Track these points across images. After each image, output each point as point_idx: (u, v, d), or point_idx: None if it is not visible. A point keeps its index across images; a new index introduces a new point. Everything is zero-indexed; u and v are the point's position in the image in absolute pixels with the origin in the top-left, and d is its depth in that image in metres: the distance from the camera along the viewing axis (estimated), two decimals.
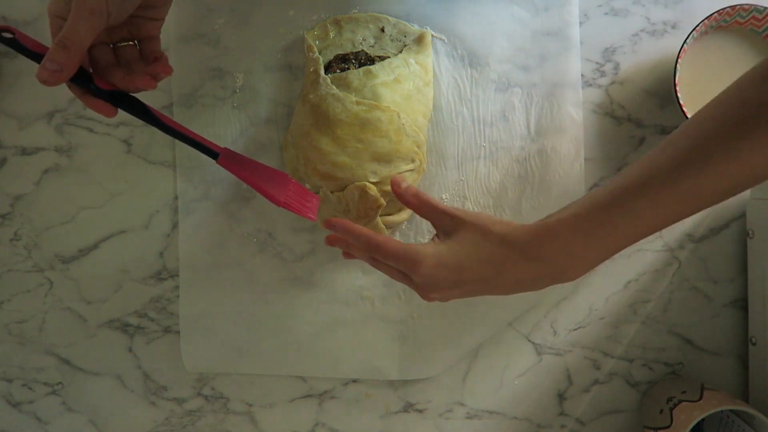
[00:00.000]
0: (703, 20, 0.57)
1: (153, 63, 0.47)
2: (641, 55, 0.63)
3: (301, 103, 0.58)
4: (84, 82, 0.43)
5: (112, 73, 0.45)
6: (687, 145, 0.41)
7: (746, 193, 0.64)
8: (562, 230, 0.43)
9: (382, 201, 0.56)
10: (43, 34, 0.61)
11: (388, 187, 0.56)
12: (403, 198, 0.51)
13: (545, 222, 0.44)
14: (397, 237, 0.62)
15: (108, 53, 0.46)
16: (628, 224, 0.42)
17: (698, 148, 0.40)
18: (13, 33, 0.44)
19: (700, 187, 0.40)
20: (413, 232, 0.62)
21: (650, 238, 0.64)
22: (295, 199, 0.48)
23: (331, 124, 0.55)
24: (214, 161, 0.48)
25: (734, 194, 0.41)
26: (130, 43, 0.47)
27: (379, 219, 0.58)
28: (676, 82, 0.58)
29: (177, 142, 0.62)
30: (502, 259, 0.44)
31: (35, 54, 0.44)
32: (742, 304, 0.65)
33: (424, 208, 0.50)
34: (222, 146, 0.48)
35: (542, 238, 0.44)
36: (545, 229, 0.44)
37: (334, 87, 0.56)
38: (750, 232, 0.62)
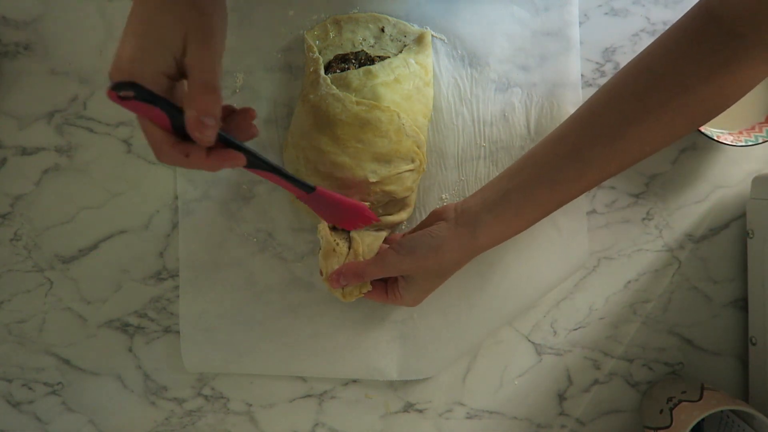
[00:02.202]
0: None
1: (232, 114, 0.43)
2: None
3: (301, 103, 0.58)
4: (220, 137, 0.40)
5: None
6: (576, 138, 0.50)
7: (746, 193, 0.64)
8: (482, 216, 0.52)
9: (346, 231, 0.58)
10: (43, 34, 0.61)
11: (388, 187, 0.57)
12: (341, 282, 0.56)
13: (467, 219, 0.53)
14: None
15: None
16: (531, 208, 0.52)
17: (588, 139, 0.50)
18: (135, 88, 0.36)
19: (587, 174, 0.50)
20: None
21: (650, 238, 0.64)
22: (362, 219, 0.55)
23: (331, 124, 0.55)
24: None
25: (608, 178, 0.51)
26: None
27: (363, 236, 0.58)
28: None
29: None
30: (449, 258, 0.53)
31: (165, 103, 0.38)
32: (742, 304, 0.65)
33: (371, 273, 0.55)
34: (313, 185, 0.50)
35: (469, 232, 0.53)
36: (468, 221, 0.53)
37: (334, 87, 0.56)
38: (750, 232, 0.62)
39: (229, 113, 0.43)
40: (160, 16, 0.38)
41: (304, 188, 0.49)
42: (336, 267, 0.56)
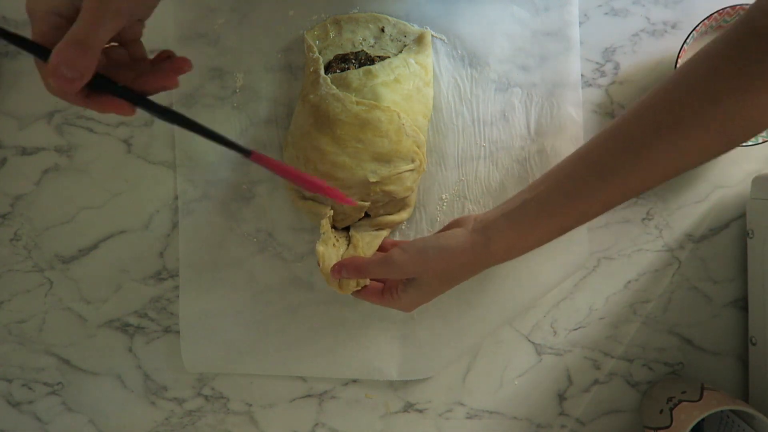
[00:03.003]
0: (703, 20, 0.57)
1: (165, 60, 0.43)
2: (641, 55, 0.63)
3: (301, 103, 0.58)
4: (100, 84, 0.39)
5: (122, 75, 0.41)
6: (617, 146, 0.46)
7: (746, 193, 0.64)
8: (498, 234, 0.50)
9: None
10: None
11: (388, 187, 0.57)
12: (344, 275, 0.54)
13: (485, 236, 0.50)
14: (397, 237, 0.62)
15: (123, 54, 0.43)
16: (554, 223, 0.49)
17: (625, 151, 0.45)
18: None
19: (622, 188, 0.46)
20: (413, 232, 0.62)
21: (650, 238, 0.64)
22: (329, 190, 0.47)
23: (331, 124, 0.55)
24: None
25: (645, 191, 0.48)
26: (116, 45, 0.43)
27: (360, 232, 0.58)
28: None
29: (176, 141, 0.62)
30: (458, 266, 0.51)
31: (35, 47, 0.38)
32: (742, 304, 0.65)
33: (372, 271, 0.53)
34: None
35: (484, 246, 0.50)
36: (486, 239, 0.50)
37: (334, 87, 0.56)
38: (750, 232, 0.62)
39: (163, 58, 0.43)
40: None
41: (239, 151, 0.44)
42: (333, 259, 0.55)
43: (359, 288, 0.56)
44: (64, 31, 0.37)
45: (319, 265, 0.55)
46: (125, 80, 0.41)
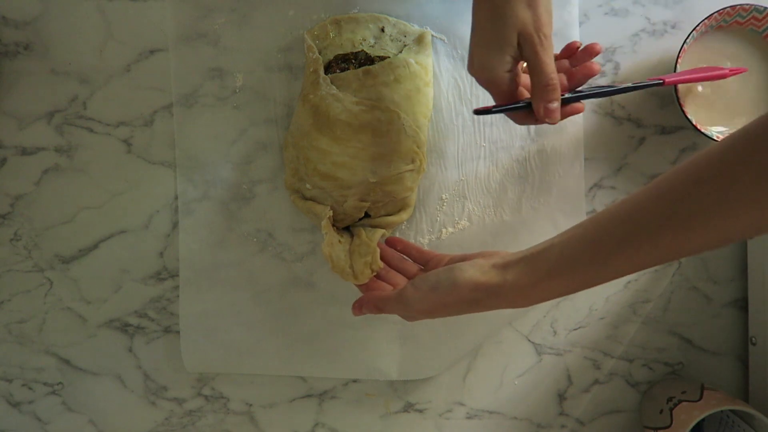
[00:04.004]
0: (703, 20, 0.57)
1: (576, 51, 0.53)
2: (641, 55, 0.63)
3: (301, 103, 0.58)
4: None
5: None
6: (671, 198, 0.38)
7: None
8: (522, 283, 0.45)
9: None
10: (43, 34, 0.61)
11: (388, 187, 0.57)
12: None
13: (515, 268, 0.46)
14: (397, 236, 0.62)
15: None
16: (594, 276, 0.43)
17: (683, 202, 0.37)
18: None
19: (683, 243, 0.38)
20: (413, 232, 0.62)
21: None
22: None
23: (331, 124, 0.55)
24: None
25: (717, 247, 0.39)
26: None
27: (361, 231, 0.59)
28: None
29: (177, 141, 0.62)
30: (471, 299, 0.47)
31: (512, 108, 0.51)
32: (742, 304, 0.65)
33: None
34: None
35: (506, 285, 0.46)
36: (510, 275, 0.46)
37: (334, 87, 0.56)
38: None
39: (574, 50, 0.53)
40: (499, 22, 0.47)
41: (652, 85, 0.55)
42: (342, 255, 0.55)
43: (374, 274, 0.56)
44: (512, 82, 0.49)
45: (331, 265, 0.55)
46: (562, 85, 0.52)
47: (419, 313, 0.50)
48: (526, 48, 0.47)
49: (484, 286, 0.46)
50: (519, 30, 0.47)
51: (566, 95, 0.51)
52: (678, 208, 0.37)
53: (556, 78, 0.48)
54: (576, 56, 0.53)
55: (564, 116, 0.50)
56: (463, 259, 0.51)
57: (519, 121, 0.54)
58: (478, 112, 0.51)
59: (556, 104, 0.48)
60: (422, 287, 0.48)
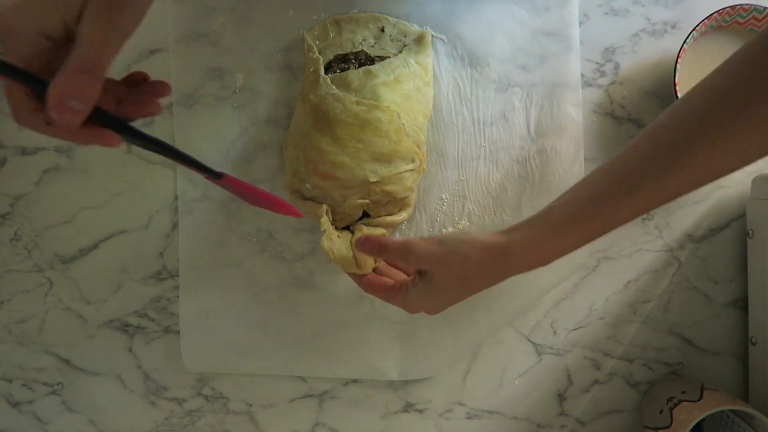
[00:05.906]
0: (703, 20, 0.57)
1: (142, 83, 0.40)
2: (641, 55, 0.63)
3: (301, 103, 0.58)
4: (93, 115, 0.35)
5: (105, 103, 0.38)
6: (674, 133, 0.42)
7: (746, 193, 0.64)
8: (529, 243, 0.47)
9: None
10: None
11: (388, 187, 0.57)
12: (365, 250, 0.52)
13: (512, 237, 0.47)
14: (397, 237, 0.62)
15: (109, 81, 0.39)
16: (605, 223, 0.45)
17: (687, 133, 0.41)
18: None
19: (690, 176, 0.41)
20: (413, 232, 0.62)
21: (650, 238, 0.64)
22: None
23: (331, 124, 0.55)
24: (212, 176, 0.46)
25: (723, 176, 0.42)
26: None
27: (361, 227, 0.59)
28: (676, 82, 0.58)
29: (177, 141, 0.62)
30: (478, 271, 0.48)
31: (23, 74, 0.33)
32: (742, 304, 0.65)
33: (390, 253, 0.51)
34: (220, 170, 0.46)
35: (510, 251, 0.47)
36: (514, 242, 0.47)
37: (334, 87, 0.56)
38: (750, 232, 0.61)
39: (139, 81, 0.39)
40: None
41: (210, 174, 0.44)
42: (342, 248, 0.55)
43: (377, 265, 0.56)
44: (48, 58, 0.34)
45: (331, 256, 0.54)
46: (108, 108, 0.38)
47: (420, 263, 0.49)
48: (89, 15, 0.33)
49: (491, 245, 0.47)
50: None
51: (113, 115, 0.37)
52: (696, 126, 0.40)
53: (102, 62, 0.33)
54: (143, 88, 0.40)
55: (87, 138, 0.36)
56: None
57: (17, 112, 0.37)
58: None
59: (80, 105, 0.33)
60: (429, 239, 0.49)
